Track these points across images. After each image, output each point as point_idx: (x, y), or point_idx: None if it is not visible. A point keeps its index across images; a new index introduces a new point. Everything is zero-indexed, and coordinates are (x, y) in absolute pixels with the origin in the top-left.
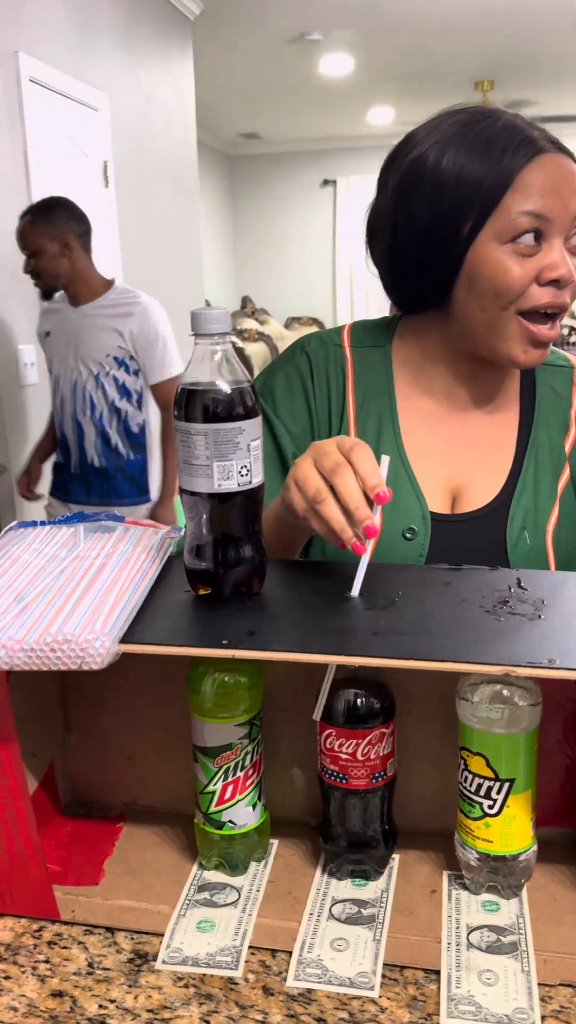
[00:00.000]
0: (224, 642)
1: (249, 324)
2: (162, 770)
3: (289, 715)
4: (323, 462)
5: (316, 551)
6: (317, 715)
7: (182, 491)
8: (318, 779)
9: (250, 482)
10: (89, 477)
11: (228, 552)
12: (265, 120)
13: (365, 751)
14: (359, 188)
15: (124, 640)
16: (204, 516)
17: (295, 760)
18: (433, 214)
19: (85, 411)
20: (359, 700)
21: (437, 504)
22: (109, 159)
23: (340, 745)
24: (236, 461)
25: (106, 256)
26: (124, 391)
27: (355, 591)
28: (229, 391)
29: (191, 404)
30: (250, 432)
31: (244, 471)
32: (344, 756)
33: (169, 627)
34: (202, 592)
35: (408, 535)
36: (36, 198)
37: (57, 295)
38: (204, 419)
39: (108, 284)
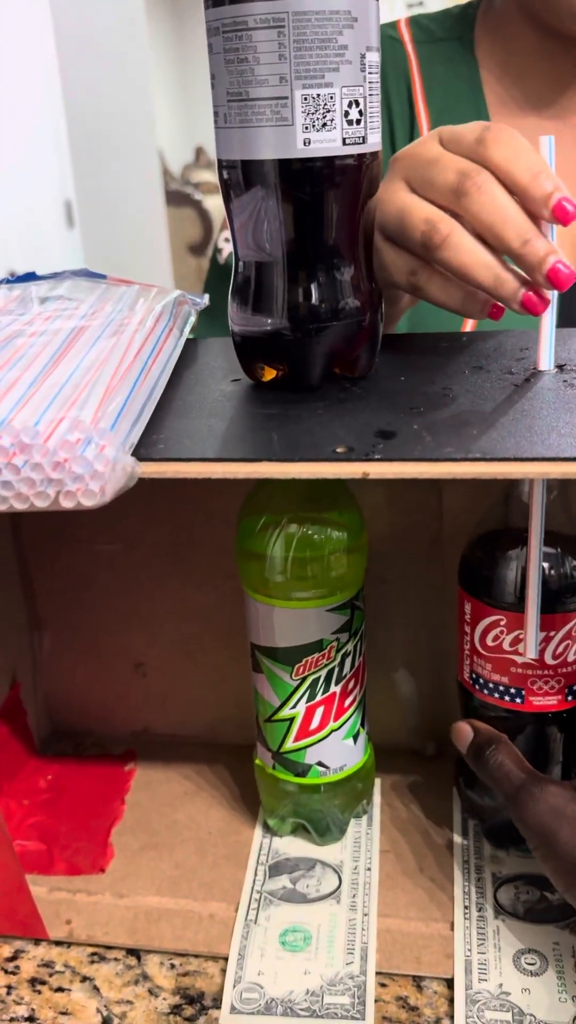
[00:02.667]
0: (337, 450)
1: (205, 176)
2: (191, 681)
3: (391, 588)
4: (432, 177)
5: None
6: (531, 642)
7: (223, 170)
8: (462, 694)
9: (362, 139)
10: None
11: (318, 291)
12: None
13: (559, 650)
14: None
15: (140, 453)
16: (270, 219)
17: (399, 658)
18: None
19: None
20: (552, 565)
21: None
22: None
23: (515, 642)
24: (340, 91)
25: (39, 76)
26: None
27: (545, 361)
28: None
29: None
30: (365, 29)
31: (354, 113)
32: (522, 660)
33: (217, 435)
34: (266, 377)
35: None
36: None
37: None
38: None
39: None
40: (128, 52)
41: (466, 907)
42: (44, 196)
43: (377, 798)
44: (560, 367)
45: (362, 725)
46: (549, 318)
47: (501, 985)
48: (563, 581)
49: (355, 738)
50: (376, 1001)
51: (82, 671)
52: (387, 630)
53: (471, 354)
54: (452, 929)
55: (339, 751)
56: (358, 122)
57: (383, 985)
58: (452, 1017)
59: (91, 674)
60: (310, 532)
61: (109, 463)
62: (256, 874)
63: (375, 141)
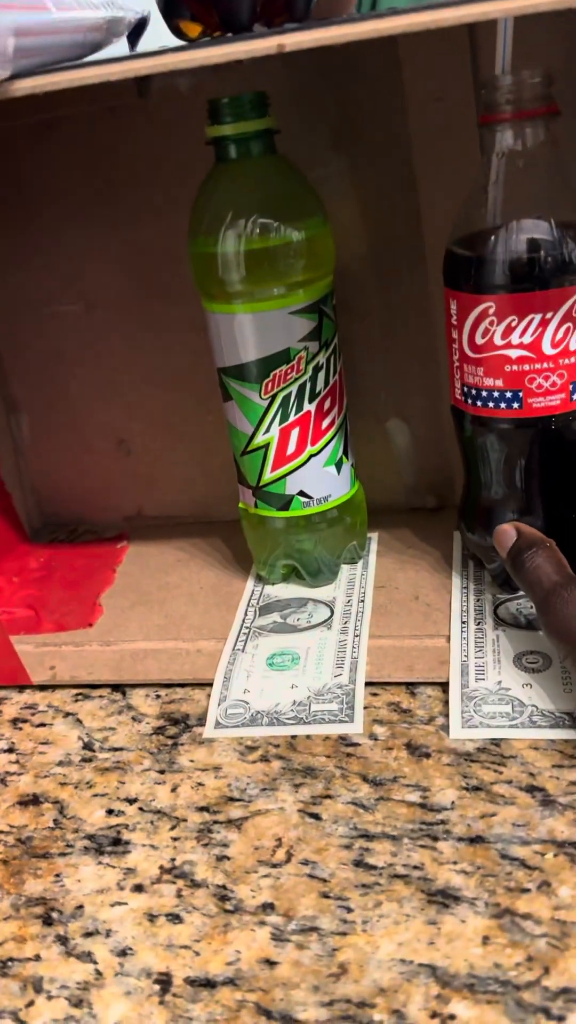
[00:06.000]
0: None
1: None
2: (177, 456)
3: (374, 323)
4: None
5: None
6: None
7: None
8: (456, 422)
9: None
10: None
11: None
12: None
13: (558, 336)
14: None
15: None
16: None
17: (392, 405)
18: None
19: None
20: (546, 236)
21: None
22: None
23: (507, 332)
24: None
25: None
26: None
27: None
28: None
29: None
30: None
31: None
32: (517, 353)
33: None
34: (193, 33)
35: None
36: None
37: None
38: None
39: None
40: None
41: (464, 622)
42: None
43: (373, 546)
44: None
45: (345, 455)
46: None
47: (500, 682)
48: (558, 256)
49: (338, 467)
50: (366, 708)
51: (66, 454)
52: (372, 375)
53: None
54: (448, 642)
55: (321, 479)
56: None
57: (374, 695)
58: (447, 715)
59: (75, 457)
60: (262, 220)
61: None
62: (246, 614)
63: None
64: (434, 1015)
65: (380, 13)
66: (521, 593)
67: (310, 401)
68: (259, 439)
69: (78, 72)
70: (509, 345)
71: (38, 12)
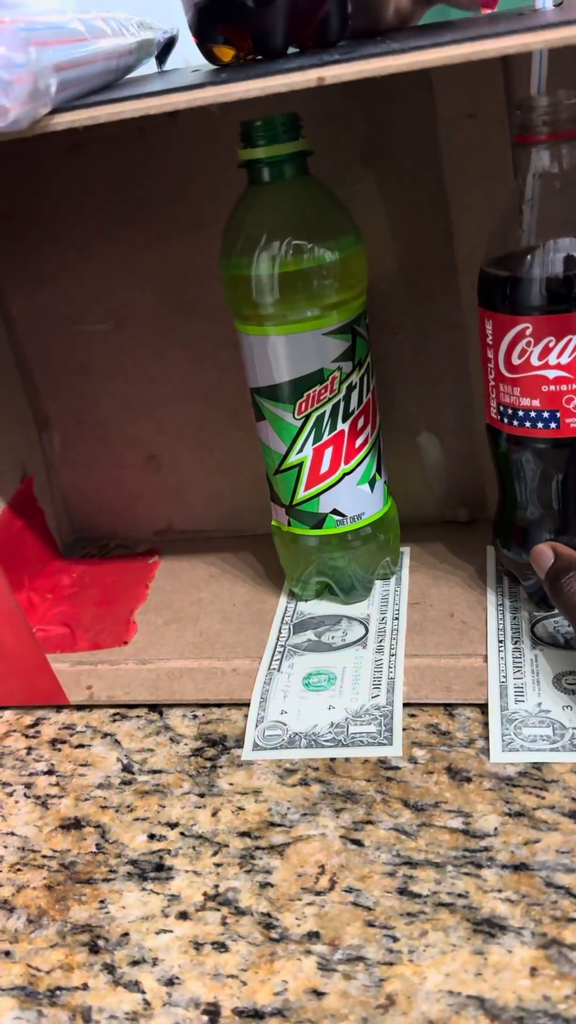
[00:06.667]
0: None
1: None
2: (207, 470)
3: (405, 338)
4: None
5: None
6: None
7: None
8: (491, 440)
9: None
10: None
11: None
12: None
13: None
14: None
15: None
16: None
17: (423, 419)
18: None
19: None
20: None
21: None
22: None
23: (544, 352)
24: None
25: None
26: None
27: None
28: None
29: None
30: None
31: None
32: (554, 374)
33: None
34: (226, 56)
35: None
36: None
37: None
38: None
39: None
40: None
41: (501, 641)
42: None
43: (406, 561)
44: (559, 4)
45: (378, 472)
46: None
47: (540, 704)
48: None
49: (371, 485)
50: (404, 730)
51: (96, 469)
52: (403, 389)
53: None
54: (486, 661)
55: (354, 498)
56: None
57: (412, 716)
58: (487, 738)
59: (106, 472)
60: (296, 243)
61: (12, 66)
62: (280, 632)
63: None
64: None
65: (420, 45)
66: (558, 611)
67: (344, 420)
68: (293, 458)
69: (117, 106)
70: (546, 366)
71: (75, 45)
